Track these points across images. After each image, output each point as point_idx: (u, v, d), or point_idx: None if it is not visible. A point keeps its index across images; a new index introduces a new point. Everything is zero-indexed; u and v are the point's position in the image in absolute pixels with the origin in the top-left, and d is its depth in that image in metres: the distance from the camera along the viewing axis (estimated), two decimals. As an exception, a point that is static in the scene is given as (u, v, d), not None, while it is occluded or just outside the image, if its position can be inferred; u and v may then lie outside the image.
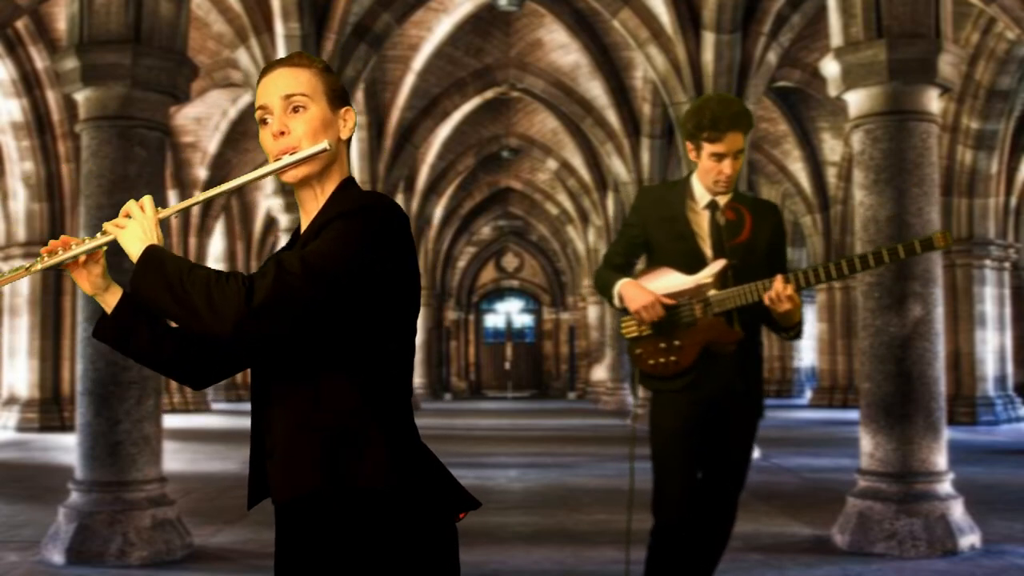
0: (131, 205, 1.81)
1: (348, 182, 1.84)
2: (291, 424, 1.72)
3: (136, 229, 1.79)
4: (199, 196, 1.86)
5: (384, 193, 1.76)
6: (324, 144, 1.78)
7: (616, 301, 3.68)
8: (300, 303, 1.62)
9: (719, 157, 3.56)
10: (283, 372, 1.75)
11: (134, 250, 1.76)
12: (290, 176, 1.81)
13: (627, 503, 3.91)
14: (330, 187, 1.83)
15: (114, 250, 1.86)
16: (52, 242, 1.84)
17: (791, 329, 3.56)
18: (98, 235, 1.85)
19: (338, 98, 1.86)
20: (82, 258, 1.86)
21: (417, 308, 1.80)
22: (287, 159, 1.79)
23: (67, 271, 1.87)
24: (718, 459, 3.64)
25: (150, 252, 1.74)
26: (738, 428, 3.66)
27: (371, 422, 1.71)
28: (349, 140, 1.88)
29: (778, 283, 3.40)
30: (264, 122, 1.84)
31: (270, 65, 1.86)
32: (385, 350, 1.75)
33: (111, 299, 1.88)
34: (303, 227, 1.84)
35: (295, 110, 1.81)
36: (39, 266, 1.83)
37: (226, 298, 1.61)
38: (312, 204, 1.83)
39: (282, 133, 1.81)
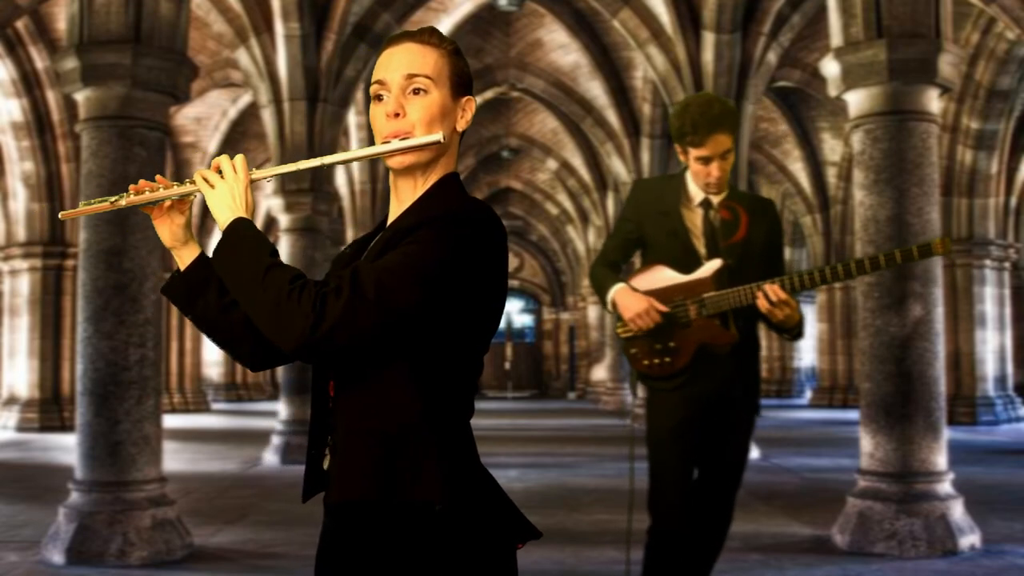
0: (223, 161, 1.72)
1: (451, 178, 1.73)
2: (351, 427, 1.65)
3: (226, 194, 1.68)
4: (295, 165, 1.72)
5: (482, 200, 1.69)
6: (438, 136, 1.68)
7: (610, 307, 3.67)
8: (369, 331, 1.54)
9: (705, 160, 3.53)
10: (347, 374, 1.67)
11: (221, 217, 1.67)
12: (396, 162, 1.70)
13: (628, 504, 3.91)
14: (432, 179, 1.73)
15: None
16: (142, 181, 1.76)
17: (791, 330, 3.53)
18: (187, 182, 1.75)
19: (462, 86, 1.74)
20: (167, 203, 1.78)
21: (495, 327, 1.70)
22: (396, 143, 1.68)
23: (151, 216, 1.79)
24: (714, 459, 3.63)
25: (235, 229, 1.64)
26: (735, 429, 3.65)
27: (431, 436, 1.61)
28: (464, 131, 1.77)
29: (772, 290, 3.39)
30: (379, 98, 1.72)
31: (397, 37, 1.74)
32: (453, 365, 1.65)
33: (187, 255, 1.80)
34: (393, 215, 1.75)
35: (415, 92, 1.70)
36: (123, 202, 1.74)
37: (294, 317, 1.52)
38: (409, 194, 1.73)
39: (397, 115, 1.69)
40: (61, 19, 13.49)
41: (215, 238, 21.77)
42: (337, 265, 1.80)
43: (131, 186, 1.77)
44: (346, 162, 1.74)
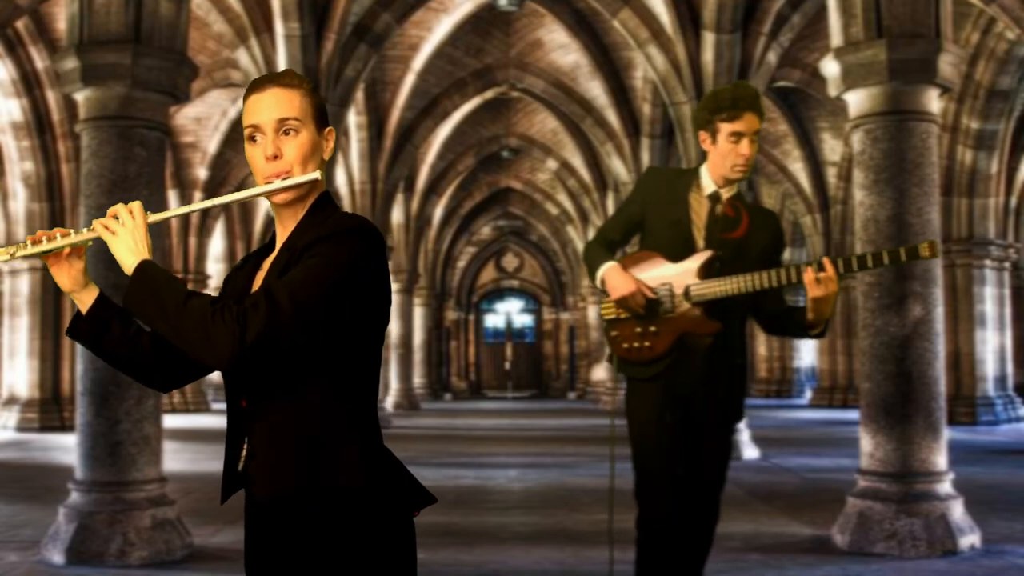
0: (120, 209, 1.83)
1: (326, 198, 1.92)
2: (274, 428, 1.81)
3: (128, 239, 1.81)
4: (190, 207, 1.88)
5: (362, 215, 1.88)
6: (316, 175, 1.86)
7: (598, 284, 3.67)
8: (289, 339, 1.71)
9: (738, 137, 3.54)
10: (266, 384, 1.82)
11: (127, 262, 1.80)
12: (280, 199, 1.87)
13: (608, 502, 3.90)
14: (310, 201, 1.91)
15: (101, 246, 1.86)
16: (40, 232, 1.86)
17: (817, 326, 3.45)
18: (84, 230, 1.85)
19: (323, 120, 1.92)
20: (66, 251, 1.87)
21: (387, 322, 1.90)
22: (278, 184, 1.85)
23: (47, 264, 1.89)
24: (697, 458, 3.61)
25: (144, 271, 1.77)
26: (716, 428, 3.64)
27: (345, 426, 1.81)
28: (329, 159, 1.96)
29: (826, 262, 3.33)
30: (253, 139, 1.88)
31: (261, 83, 1.89)
32: (358, 361, 1.84)
33: (87, 298, 1.90)
34: (280, 238, 1.91)
35: (286, 133, 1.86)
36: (20, 253, 1.83)
37: (221, 334, 1.69)
38: (291, 220, 1.90)
39: (276, 156, 1.86)
40: (61, 19, 13.49)
41: (214, 238, 21.78)
42: (231, 282, 1.98)
43: (28, 236, 1.87)
44: (236, 201, 1.90)
